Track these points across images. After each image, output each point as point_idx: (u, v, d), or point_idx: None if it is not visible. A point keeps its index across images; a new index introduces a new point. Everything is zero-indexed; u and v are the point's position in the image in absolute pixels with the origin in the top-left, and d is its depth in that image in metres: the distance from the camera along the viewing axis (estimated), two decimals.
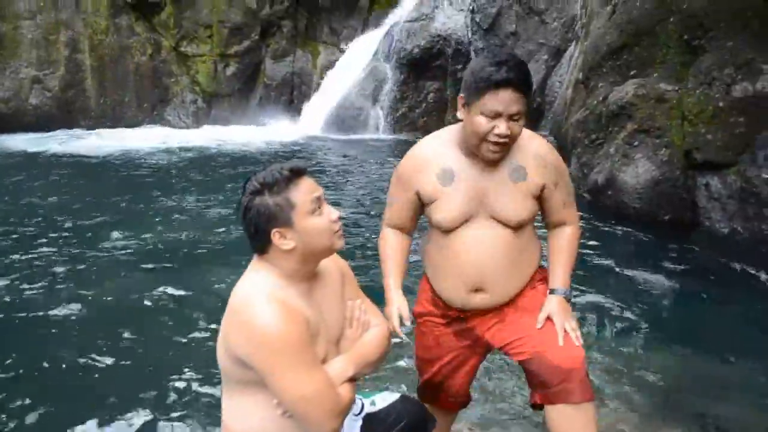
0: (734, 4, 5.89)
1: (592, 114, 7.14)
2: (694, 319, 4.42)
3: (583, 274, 4.87)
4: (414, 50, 13.73)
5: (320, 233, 1.76)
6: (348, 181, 9.21)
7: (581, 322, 4.03)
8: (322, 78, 15.12)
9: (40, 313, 4.42)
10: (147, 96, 14.68)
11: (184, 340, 4.01)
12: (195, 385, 3.43)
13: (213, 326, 4.04)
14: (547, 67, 13.84)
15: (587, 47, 7.76)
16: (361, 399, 1.97)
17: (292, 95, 15.37)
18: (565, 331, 2.09)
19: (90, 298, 4.68)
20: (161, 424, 3.12)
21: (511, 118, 1.99)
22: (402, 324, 2.20)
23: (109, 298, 4.70)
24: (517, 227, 2.14)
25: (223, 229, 6.45)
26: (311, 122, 14.38)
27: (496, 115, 1.98)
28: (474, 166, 2.12)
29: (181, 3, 14.44)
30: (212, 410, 3.14)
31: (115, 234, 6.28)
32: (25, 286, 4.93)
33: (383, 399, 2.01)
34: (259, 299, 1.68)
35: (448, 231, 2.16)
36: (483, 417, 3.09)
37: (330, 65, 15.11)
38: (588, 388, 2.06)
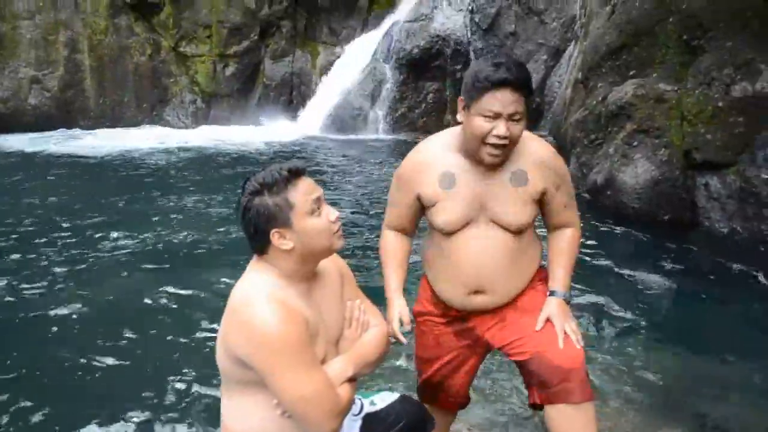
0: (733, 5, 5.90)
1: (592, 114, 7.14)
2: (693, 319, 4.42)
3: (583, 274, 4.87)
4: (413, 50, 13.74)
5: (319, 233, 1.76)
6: (347, 181, 9.21)
7: (580, 321, 4.03)
8: (321, 78, 15.13)
9: (39, 314, 4.42)
10: (146, 96, 14.68)
11: (184, 340, 4.01)
12: (195, 386, 3.42)
13: (212, 326, 4.04)
14: (547, 67, 13.84)
15: (586, 47, 7.76)
16: (360, 399, 1.97)
17: (292, 95, 15.37)
18: (566, 332, 2.09)
19: (89, 298, 4.67)
20: (161, 424, 3.12)
21: (510, 118, 1.98)
22: (402, 327, 2.20)
23: (108, 299, 4.69)
24: (517, 231, 2.14)
25: (222, 230, 6.45)
26: (310, 122, 14.38)
27: (495, 116, 1.97)
28: (475, 169, 2.11)
29: (180, 3, 14.44)
30: (212, 410, 3.14)
31: (115, 234, 6.28)
32: (25, 286, 4.92)
33: (382, 399, 2.01)
34: (258, 299, 1.68)
35: (448, 234, 2.16)
36: (482, 417, 3.09)
37: (329, 65, 15.11)
38: (588, 388, 2.06)
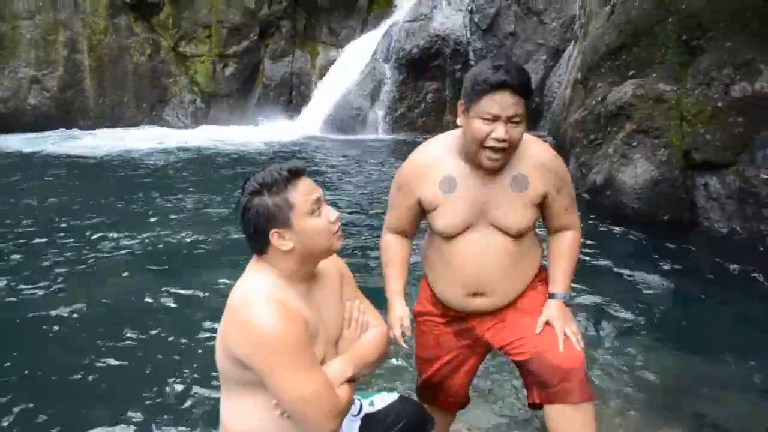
0: (733, 5, 5.90)
1: (591, 114, 7.14)
2: (692, 319, 4.42)
3: (582, 274, 4.85)
4: (413, 50, 13.75)
5: (319, 234, 1.76)
6: (347, 181, 9.21)
7: (580, 321, 4.03)
8: (320, 78, 15.14)
9: (38, 314, 4.42)
10: (146, 96, 14.69)
11: (183, 341, 4.01)
12: (194, 386, 3.42)
13: (212, 327, 4.04)
14: (546, 67, 13.85)
15: (586, 47, 7.76)
16: (359, 399, 1.98)
17: (291, 95, 15.38)
18: (566, 335, 2.09)
19: (88, 298, 4.67)
20: (160, 424, 3.12)
21: (509, 121, 1.97)
22: (403, 335, 2.22)
23: (107, 299, 4.69)
24: (517, 235, 2.14)
25: (221, 230, 6.45)
26: (310, 122, 14.39)
27: (494, 119, 1.96)
28: (475, 173, 2.10)
29: (180, 3, 14.45)
30: (211, 411, 3.14)
31: (114, 234, 6.28)
32: (23, 286, 4.92)
33: (382, 399, 2.01)
34: (258, 300, 1.68)
35: (449, 237, 2.16)
36: (482, 418, 3.09)
37: (329, 65, 15.12)
38: (587, 388, 2.06)
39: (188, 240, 6.17)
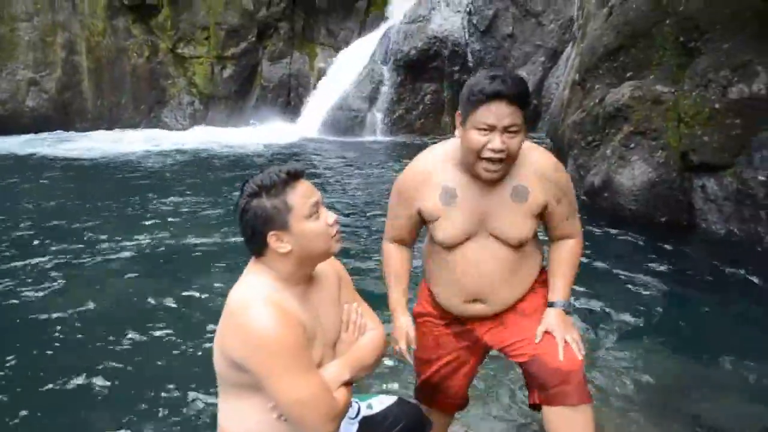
0: (730, 7, 5.91)
1: (589, 116, 7.14)
2: (690, 321, 4.43)
3: (580, 276, 4.84)
4: (411, 52, 13.75)
5: (317, 237, 1.76)
6: (345, 183, 9.21)
7: (577, 322, 4.03)
8: (319, 80, 15.14)
9: (35, 316, 4.41)
10: (144, 98, 14.69)
11: (181, 343, 4.00)
12: (192, 388, 3.42)
13: (210, 329, 4.04)
14: (544, 68, 13.88)
15: (584, 49, 7.77)
16: (357, 402, 1.98)
17: (289, 97, 15.38)
18: (567, 342, 2.09)
19: (86, 301, 4.66)
20: (157, 427, 3.11)
21: (506, 131, 1.95)
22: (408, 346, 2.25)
23: (104, 302, 4.68)
24: (518, 245, 2.14)
25: (220, 232, 6.44)
26: (308, 124, 14.40)
27: (491, 128, 1.95)
28: (475, 184, 2.09)
29: (178, 5, 14.45)
30: (209, 413, 3.14)
31: (111, 237, 6.27)
32: (21, 288, 4.92)
33: (380, 402, 2.01)
34: (255, 302, 1.68)
35: (449, 247, 2.16)
36: (480, 419, 3.09)
37: (327, 67, 15.13)
38: (586, 390, 2.07)
39: (187, 242, 6.16)
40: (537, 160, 2.12)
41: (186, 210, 7.49)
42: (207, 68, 14.82)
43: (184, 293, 4.78)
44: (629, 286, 4.97)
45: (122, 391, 3.46)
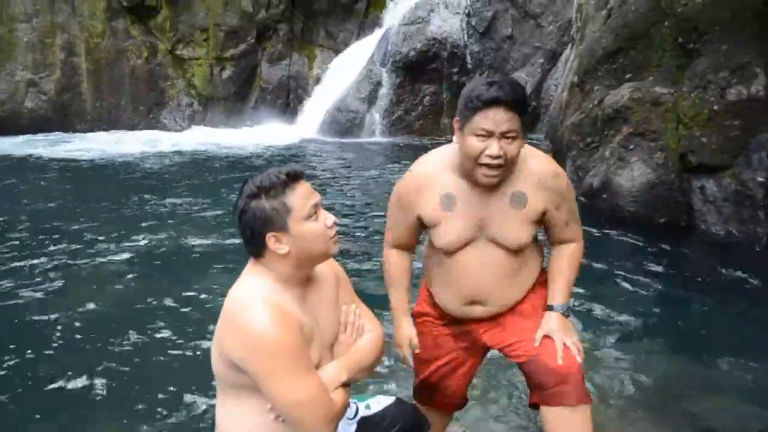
0: (730, 7, 5.91)
1: (588, 117, 7.15)
2: (689, 322, 4.43)
3: (579, 277, 4.86)
4: (410, 53, 13.75)
5: (316, 238, 1.76)
6: (344, 184, 9.21)
7: (576, 323, 4.03)
8: (318, 81, 15.15)
9: (34, 317, 4.41)
10: (143, 99, 14.68)
11: (179, 344, 4.00)
12: (190, 390, 3.42)
13: (208, 330, 4.03)
14: (543, 70, 13.89)
15: (583, 51, 7.77)
16: (355, 403, 1.98)
17: (288, 98, 15.38)
18: (566, 345, 2.10)
19: (84, 302, 4.65)
20: (155, 427, 3.11)
21: (504, 136, 1.95)
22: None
23: (102, 303, 4.68)
24: (517, 250, 2.14)
25: (218, 233, 6.44)
26: (307, 125, 14.40)
27: (488, 134, 1.95)
28: (474, 190, 2.10)
29: (178, 6, 14.45)
30: (207, 414, 3.14)
31: (110, 238, 6.27)
32: (19, 290, 4.91)
33: (378, 403, 2.01)
34: (254, 303, 1.68)
35: (448, 252, 2.17)
36: (479, 420, 3.09)
37: (326, 69, 15.14)
38: (584, 390, 2.07)
39: (186, 243, 6.16)
40: (537, 167, 2.12)
41: (185, 211, 7.49)
42: (206, 69, 14.81)
43: (183, 294, 4.77)
44: (628, 287, 4.97)
45: (121, 392, 3.45)
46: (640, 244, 5.94)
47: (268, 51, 15.15)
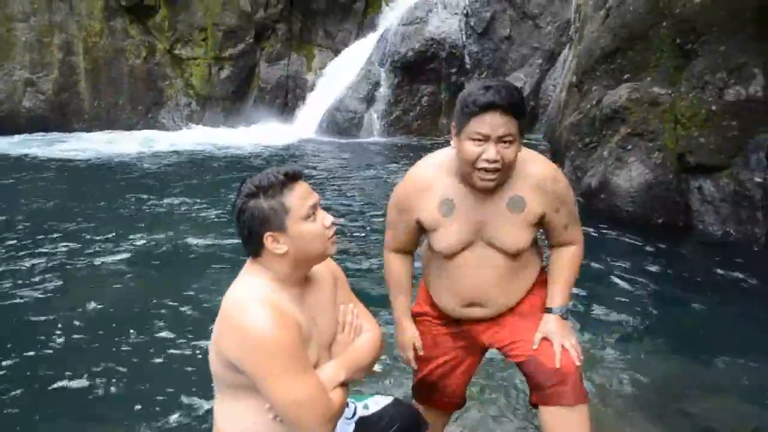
0: (728, 8, 5.92)
1: (586, 117, 7.15)
2: (687, 322, 4.44)
3: (577, 277, 4.87)
4: (408, 54, 13.76)
5: (314, 238, 1.76)
6: (342, 184, 9.21)
7: (575, 324, 4.03)
8: (316, 81, 15.15)
9: (33, 318, 4.40)
10: (141, 99, 14.66)
11: (178, 344, 4.00)
12: (188, 390, 3.41)
13: (206, 329, 4.02)
14: (541, 70, 13.90)
15: (581, 51, 7.78)
16: (353, 403, 1.98)
17: (287, 98, 15.38)
18: (565, 347, 2.10)
19: (82, 302, 4.65)
20: (153, 427, 3.11)
21: (500, 141, 1.96)
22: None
23: (100, 303, 4.67)
24: (515, 254, 2.15)
25: (217, 233, 6.43)
26: (305, 125, 14.40)
27: (485, 139, 1.95)
28: (472, 194, 2.10)
29: (176, 6, 14.44)
30: (205, 414, 3.13)
31: (108, 237, 6.26)
32: (18, 290, 4.90)
33: (376, 402, 2.01)
34: (251, 303, 1.68)
35: (447, 256, 2.18)
36: (477, 420, 3.09)
37: (324, 69, 15.14)
38: (582, 390, 2.07)
39: (184, 242, 6.16)
40: (535, 171, 2.12)
41: (183, 211, 7.48)
42: (204, 69, 14.81)
43: (182, 294, 4.77)
44: (626, 287, 4.98)
45: (119, 392, 3.45)
46: (638, 244, 5.95)
47: (266, 51, 15.15)
